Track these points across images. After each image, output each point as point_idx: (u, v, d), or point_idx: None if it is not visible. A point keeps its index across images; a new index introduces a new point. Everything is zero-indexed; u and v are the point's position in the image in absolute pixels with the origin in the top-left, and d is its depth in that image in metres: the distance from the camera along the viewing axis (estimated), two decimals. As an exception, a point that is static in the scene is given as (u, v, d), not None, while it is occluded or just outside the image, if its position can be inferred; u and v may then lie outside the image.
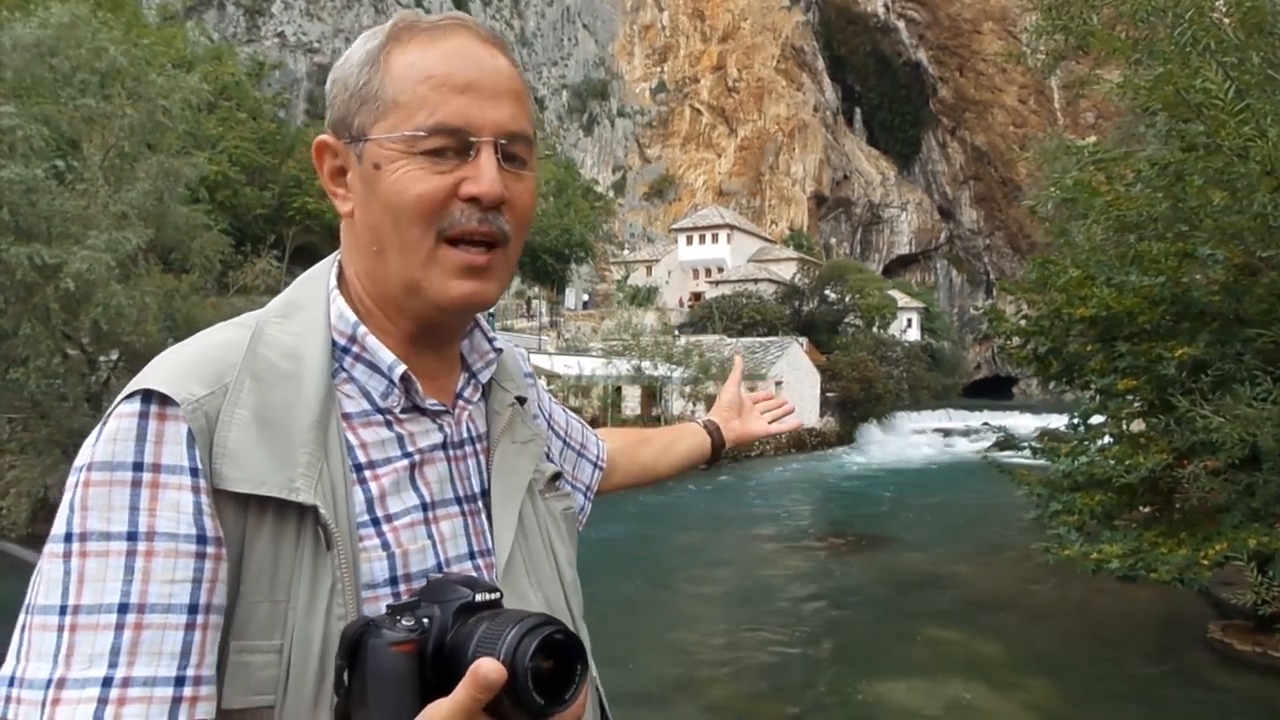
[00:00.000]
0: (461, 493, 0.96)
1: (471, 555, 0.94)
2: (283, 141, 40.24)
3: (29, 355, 13.78)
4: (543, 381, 1.23)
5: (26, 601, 0.76)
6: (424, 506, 0.92)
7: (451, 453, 0.97)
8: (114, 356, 16.22)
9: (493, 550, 0.96)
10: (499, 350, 1.05)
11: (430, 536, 0.91)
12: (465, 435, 0.99)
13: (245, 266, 21.85)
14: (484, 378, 1.04)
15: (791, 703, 7.74)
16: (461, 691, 0.70)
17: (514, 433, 1.04)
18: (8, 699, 0.72)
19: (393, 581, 0.86)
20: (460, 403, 1.00)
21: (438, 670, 0.74)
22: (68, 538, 0.76)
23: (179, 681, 0.74)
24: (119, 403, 0.81)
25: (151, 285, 15.28)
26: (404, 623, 0.76)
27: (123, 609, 0.74)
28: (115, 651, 0.73)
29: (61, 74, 15.52)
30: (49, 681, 0.71)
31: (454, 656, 0.73)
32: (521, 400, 1.09)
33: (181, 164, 16.40)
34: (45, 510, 14.94)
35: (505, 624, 0.74)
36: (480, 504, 0.98)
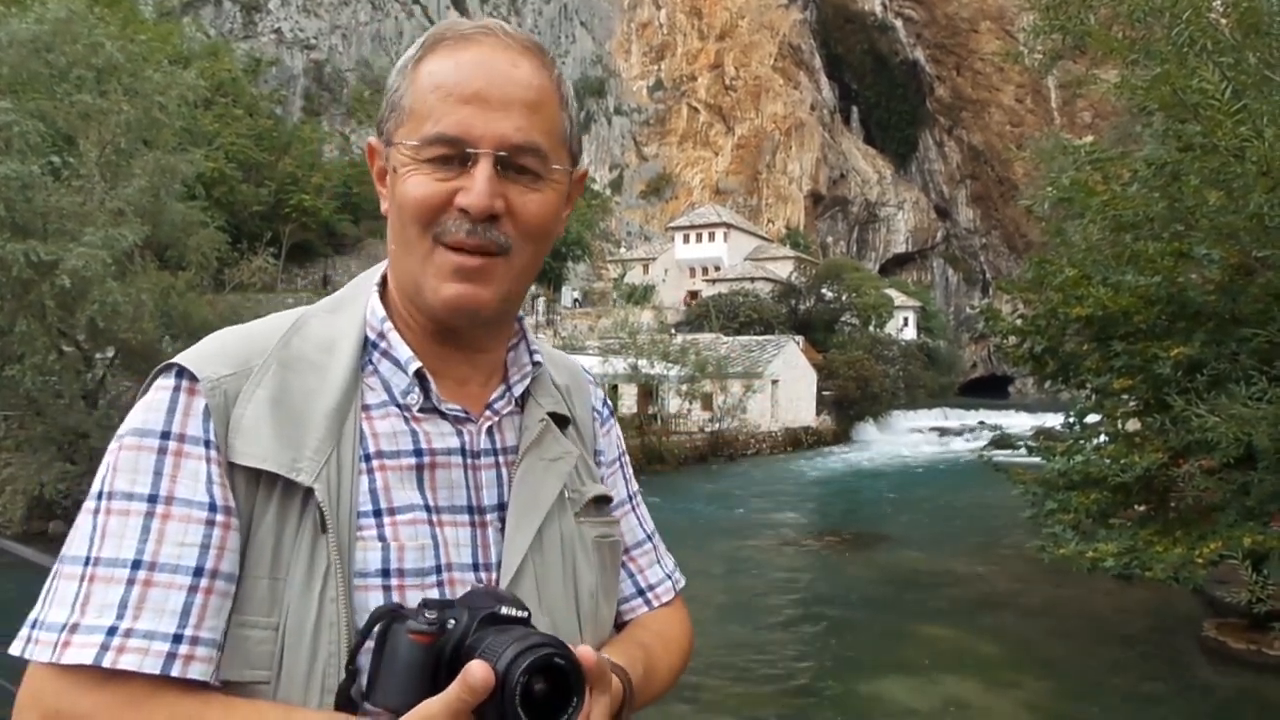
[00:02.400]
0: (474, 502, 0.96)
1: (475, 567, 0.93)
2: (279, 138, 40.15)
3: (25, 352, 13.75)
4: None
5: (61, 552, 0.83)
6: (427, 508, 0.92)
7: (469, 461, 0.97)
8: (110, 354, 16.19)
9: (497, 565, 0.94)
10: (537, 364, 1.05)
11: (433, 538, 0.91)
12: (489, 445, 0.99)
13: (242, 263, 21.84)
14: (517, 390, 1.03)
15: (789, 701, 7.76)
16: (451, 690, 0.73)
17: (542, 448, 1.02)
18: (28, 639, 0.79)
19: (384, 574, 0.87)
20: (488, 413, 1.00)
21: (452, 672, 0.76)
22: (99, 495, 0.84)
23: (176, 639, 0.79)
24: (156, 375, 0.89)
25: (148, 282, 15.26)
26: (428, 615, 0.79)
27: (136, 565, 0.80)
28: (124, 604, 0.79)
29: (58, 69, 15.47)
30: (63, 625, 0.78)
31: (465, 661, 0.75)
32: (561, 420, 1.06)
33: (178, 160, 16.36)
34: (41, 508, 14.91)
35: (511, 638, 0.76)
36: (495, 517, 0.96)
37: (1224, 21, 5.39)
